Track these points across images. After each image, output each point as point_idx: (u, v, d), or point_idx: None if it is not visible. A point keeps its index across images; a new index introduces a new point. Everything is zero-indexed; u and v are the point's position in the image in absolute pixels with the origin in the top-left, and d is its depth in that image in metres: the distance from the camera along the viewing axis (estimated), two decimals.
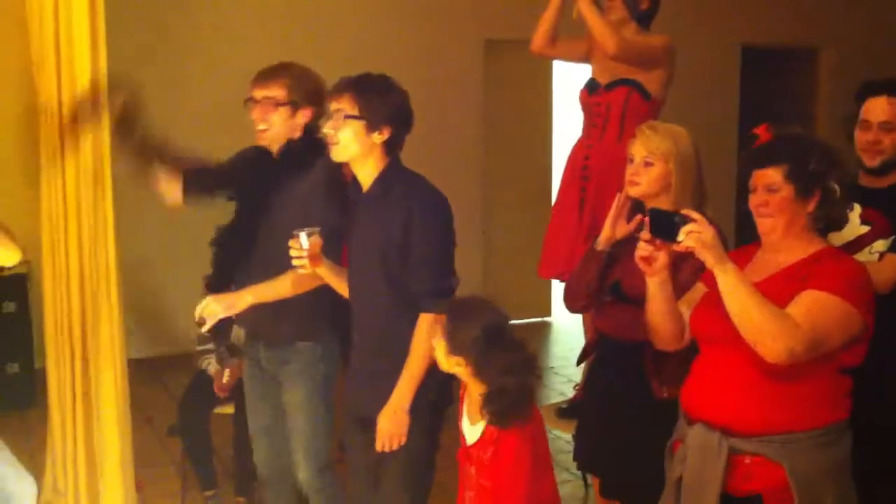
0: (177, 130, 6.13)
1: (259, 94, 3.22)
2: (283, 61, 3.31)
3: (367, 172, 2.93)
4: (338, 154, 2.90)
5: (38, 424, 4.47)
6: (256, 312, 3.21)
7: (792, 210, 2.46)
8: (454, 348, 2.57)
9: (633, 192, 2.88)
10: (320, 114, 3.17)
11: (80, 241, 3.67)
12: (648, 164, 2.85)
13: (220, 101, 6.04)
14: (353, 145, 2.87)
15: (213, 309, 3.16)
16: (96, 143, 3.64)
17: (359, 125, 2.85)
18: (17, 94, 5.42)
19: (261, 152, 3.29)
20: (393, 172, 2.93)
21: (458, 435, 2.76)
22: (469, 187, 6.65)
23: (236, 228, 3.36)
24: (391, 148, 2.91)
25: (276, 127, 3.21)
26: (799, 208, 2.46)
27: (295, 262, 2.94)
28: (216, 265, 3.41)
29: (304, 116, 3.19)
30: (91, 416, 3.75)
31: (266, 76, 3.25)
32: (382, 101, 2.87)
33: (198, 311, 3.16)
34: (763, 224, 2.50)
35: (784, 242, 2.49)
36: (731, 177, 8.58)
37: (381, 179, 2.92)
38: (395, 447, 2.87)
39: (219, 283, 3.36)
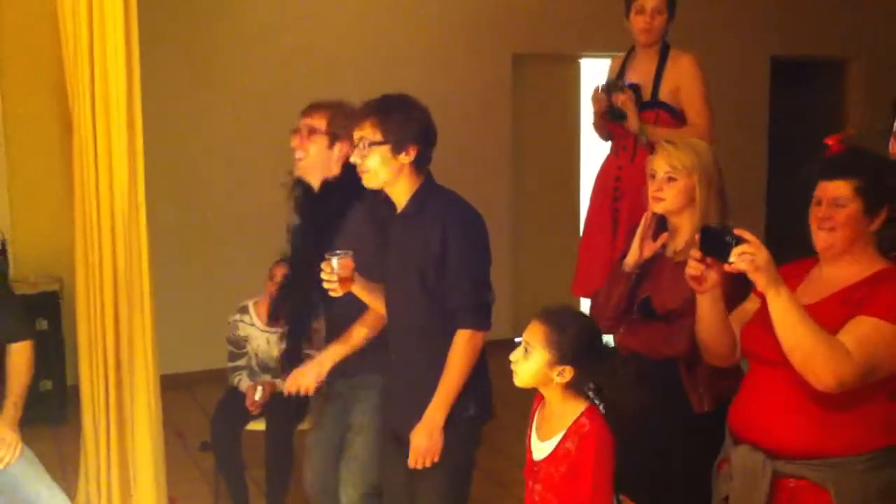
0: (205, 134, 6.19)
1: (301, 122, 3.28)
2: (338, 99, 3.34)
3: (400, 193, 2.95)
4: (369, 181, 2.92)
5: (70, 441, 4.50)
6: (325, 345, 3.29)
7: (856, 227, 2.37)
8: (562, 357, 2.45)
9: (658, 208, 2.86)
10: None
11: (114, 258, 3.70)
12: (672, 180, 2.84)
13: (251, 116, 6.10)
14: (382, 170, 2.89)
15: (304, 382, 3.25)
16: (132, 160, 3.67)
17: (384, 150, 2.87)
18: (51, 110, 5.50)
19: (304, 188, 3.32)
20: (426, 191, 2.94)
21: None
22: (498, 201, 6.67)
23: (295, 269, 3.41)
24: (420, 166, 2.92)
25: (311, 157, 3.25)
26: (864, 226, 2.38)
27: (326, 286, 2.96)
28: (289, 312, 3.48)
29: (341, 150, 3.21)
30: (124, 432, 3.77)
31: (311, 107, 3.31)
32: (404, 122, 2.88)
33: (288, 388, 3.27)
34: (822, 238, 2.40)
35: (842, 259, 2.41)
36: (760, 188, 8.61)
37: (415, 199, 2.93)
38: (427, 464, 2.87)
39: (296, 333, 3.44)
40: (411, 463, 2.88)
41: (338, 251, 2.94)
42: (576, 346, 2.46)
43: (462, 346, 2.85)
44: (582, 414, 2.47)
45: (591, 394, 2.49)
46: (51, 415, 5.40)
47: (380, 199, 3.03)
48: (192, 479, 4.60)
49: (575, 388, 2.49)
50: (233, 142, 6.11)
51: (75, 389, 3.85)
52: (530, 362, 2.49)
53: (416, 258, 2.90)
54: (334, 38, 6.35)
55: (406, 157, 2.88)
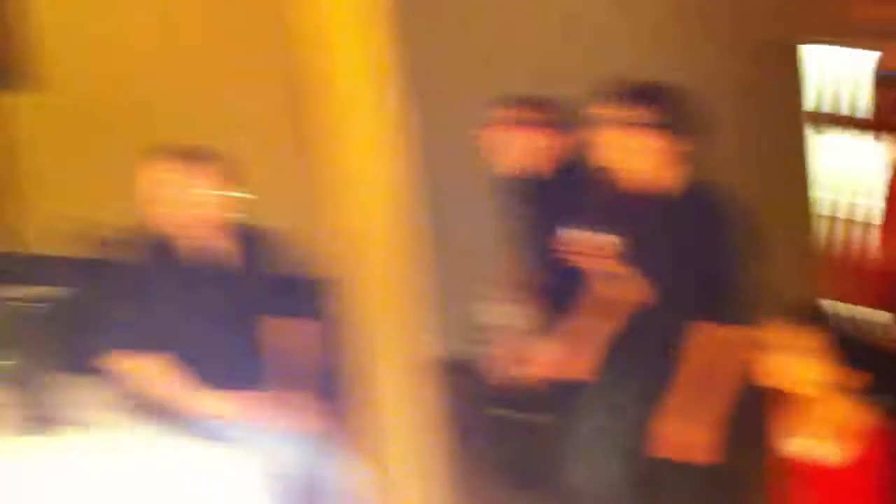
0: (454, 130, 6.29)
1: (514, 114, 3.43)
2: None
3: (659, 181, 3.01)
4: (628, 163, 3.00)
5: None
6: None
7: None
8: (834, 359, 2.49)
9: None
10: (578, 142, 3.32)
11: (383, 248, 3.94)
12: None
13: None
14: (647, 154, 2.96)
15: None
16: (397, 157, 3.89)
17: (655, 133, 2.94)
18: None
19: (526, 180, 3.47)
20: (688, 182, 3.00)
21: None
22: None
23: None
24: (683, 158, 2.98)
25: (535, 148, 3.43)
26: None
27: (593, 266, 3.10)
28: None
29: (560, 140, 3.37)
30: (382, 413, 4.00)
31: (525, 100, 3.47)
32: (679, 112, 2.95)
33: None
34: None
35: None
36: None
37: (677, 189, 3.00)
38: (687, 459, 2.92)
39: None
40: (670, 454, 2.95)
41: (603, 234, 3.05)
42: (845, 345, 2.50)
43: (735, 342, 2.86)
44: (861, 413, 2.51)
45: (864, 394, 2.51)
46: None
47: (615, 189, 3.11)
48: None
49: (847, 388, 2.51)
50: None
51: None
52: (800, 368, 2.53)
53: (677, 249, 2.95)
54: (577, 29, 6.33)
55: (673, 146, 2.95)
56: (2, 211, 3.99)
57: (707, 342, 2.87)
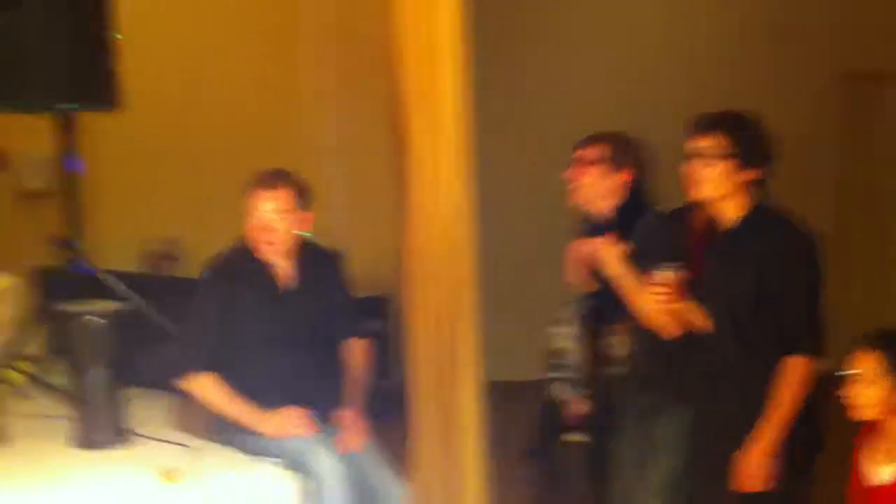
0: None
1: (579, 154, 3.38)
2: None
3: (731, 211, 2.92)
4: (701, 192, 2.94)
5: (395, 435, 4.76)
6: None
7: None
8: None
9: None
10: (640, 176, 3.29)
11: (444, 264, 3.90)
12: None
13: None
14: (719, 184, 2.89)
15: None
16: (466, 172, 3.87)
17: (728, 164, 2.87)
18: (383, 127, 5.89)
19: (588, 217, 3.53)
20: (761, 212, 2.91)
21: None
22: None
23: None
24: (756, 187, 2.89)
25: (593, 186, 3.36)
26: None
27: (654, 297, 2.99)
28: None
29: (623, 178, 3.29)
30: (452, 432, 3.97)
31: (591, 139, 3.43)
32: (753, 141, 2.87)
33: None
34: None
35: None
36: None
37: (748, 219, 2.90)
38: (754, 489, 2.82)
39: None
40: (736, 486, 2.84)
41: (665, 265, 2.96)
42: None
43: (796, 372, 2.79)
44: None
45: None
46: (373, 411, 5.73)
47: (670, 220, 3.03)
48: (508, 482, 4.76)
49: None
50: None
51: (399, 387, 4.09)
52: (872, 393, 2.58)
53: (745, 281, 2.86)
54: (651, 51, 6.37)
55: (746, 176, 2.86)
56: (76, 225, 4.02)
57: (796, 375, 2.87)
